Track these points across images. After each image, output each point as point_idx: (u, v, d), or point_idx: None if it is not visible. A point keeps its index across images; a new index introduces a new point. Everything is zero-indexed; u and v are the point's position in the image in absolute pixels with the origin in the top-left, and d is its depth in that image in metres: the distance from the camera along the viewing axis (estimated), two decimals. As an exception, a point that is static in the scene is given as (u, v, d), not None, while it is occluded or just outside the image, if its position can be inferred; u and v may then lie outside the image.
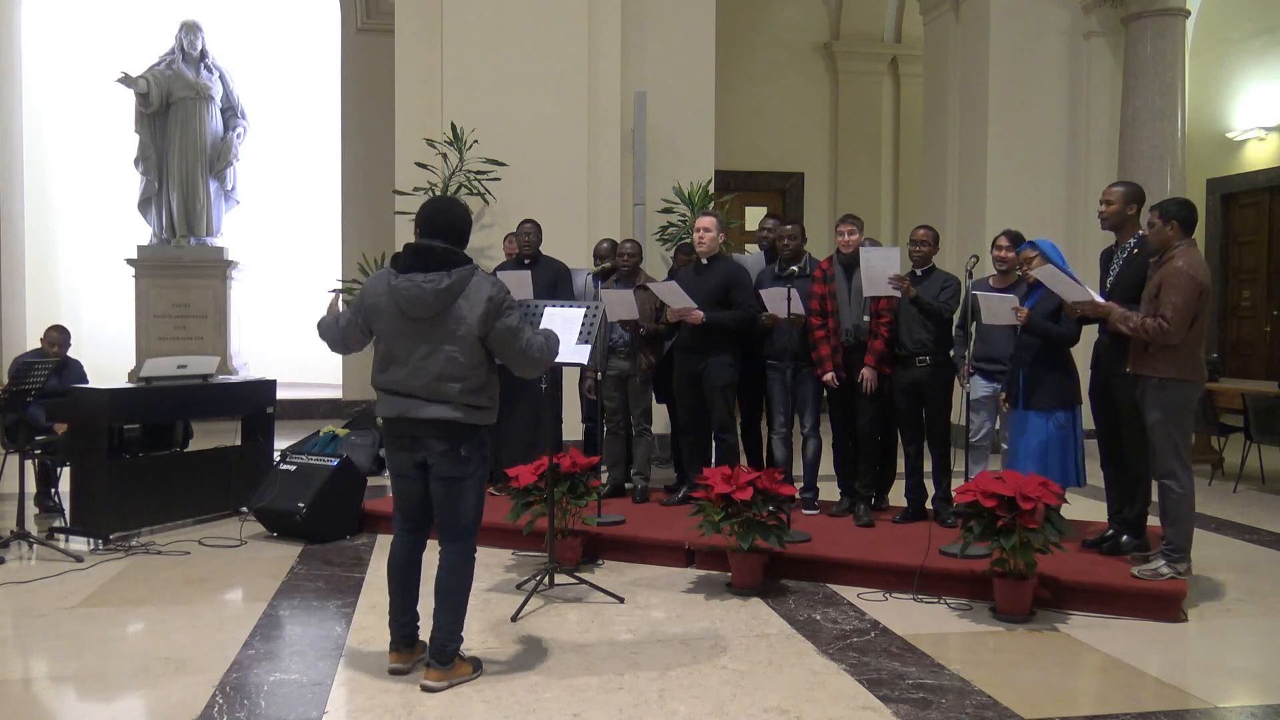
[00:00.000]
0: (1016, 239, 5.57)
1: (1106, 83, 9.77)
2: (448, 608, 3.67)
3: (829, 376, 5.70)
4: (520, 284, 6.24)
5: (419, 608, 3.82)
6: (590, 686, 3.68)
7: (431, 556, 3.77)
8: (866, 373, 5.60)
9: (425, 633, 3.77)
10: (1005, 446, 5.62)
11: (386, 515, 3.86)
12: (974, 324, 5.46)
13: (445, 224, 3.65)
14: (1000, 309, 5.22)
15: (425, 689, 3.60)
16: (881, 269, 5.36)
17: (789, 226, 6.05)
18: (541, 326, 4.65)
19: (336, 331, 3.83)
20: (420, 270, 3.51)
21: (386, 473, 4.05)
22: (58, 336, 6.74)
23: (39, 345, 6.87)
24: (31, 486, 6.26)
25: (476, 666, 3.76)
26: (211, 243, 12.26)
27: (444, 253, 3.55)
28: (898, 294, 5.40)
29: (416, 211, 3.77)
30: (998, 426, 5.70)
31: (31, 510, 6.18)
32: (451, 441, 3.57)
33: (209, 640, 4.16)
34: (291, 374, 11.64)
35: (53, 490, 6.61)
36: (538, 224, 6.68)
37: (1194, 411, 4.85)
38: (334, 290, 3.86)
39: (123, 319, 12.10)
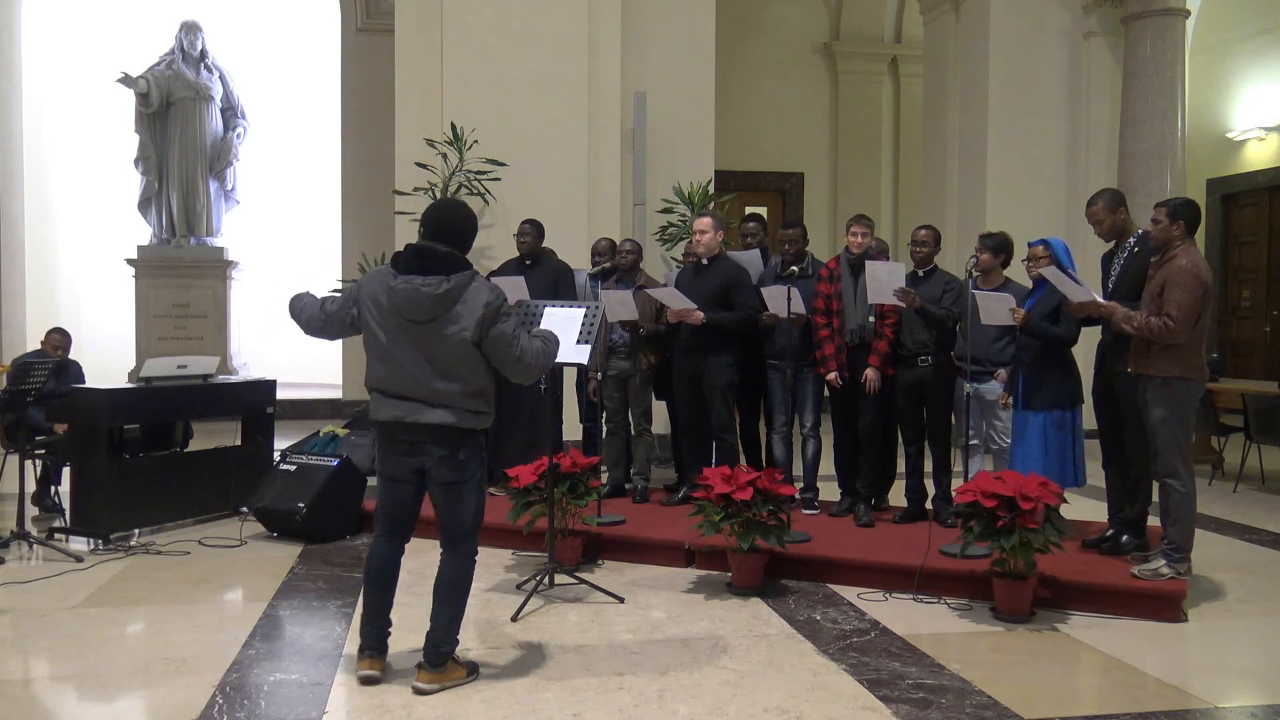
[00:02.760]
0: (997, 246, 5.55)
1: (1106, 83, 9.78)
2: (446, 611, 3.66)
3: (832, 376, 5.69)
4: (515, 289, 6.23)
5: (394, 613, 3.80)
6: (590, 686, 3.68)
7: (409, 562, 3.75)
8: (870, 373, 5.60)
9: (404, 641, 3.76)
10: (994, 446, 5.62)
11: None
12: (956, 325, 5.48)
13: (450, 227, 3.62)
14: (998, 309, 5.23)
15: (416, 690, 3.59)
16: (887, 282, 5.37)
17: (792, 229, 6.05)
18: (542, 326, 4.66)
19: (318, 312, 3.74)
20: (420, 273, 3.49)
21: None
22: (60, 339, 6.74)
23: (39, 347, 6.87)
24: (31, 486, 6.25)
25: (471, 670, 3.75)
26: (211, 243, 12.25)
27: (445, 256, 3.52)
28: (903, 304, 5.41)
29: (423, 211, 3.74)
30: (985, 428, 5.68)
31: (30, 511, 6.18)
32: (450, 446, 3.56)
33: (209, 640, 4.16)
34: (291, 374, 11.64)
35: (53, 489, 6.61)
36: (537, 224, 6.67)
37: (1195, 411, 4.86)
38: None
39: (122, 319, 12.09)
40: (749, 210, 9.17)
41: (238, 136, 12.48)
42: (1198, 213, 4.68)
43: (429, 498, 3.71)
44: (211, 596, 4.90)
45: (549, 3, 8.28)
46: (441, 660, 3.63)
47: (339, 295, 3.79)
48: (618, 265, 6.46)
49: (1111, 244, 5.14)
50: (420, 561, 4.32)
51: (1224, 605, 4.78)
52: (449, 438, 3.55)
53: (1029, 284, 5.53)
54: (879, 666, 3.89)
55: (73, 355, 6.87)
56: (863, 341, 5.68)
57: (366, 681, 3.66)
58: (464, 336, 3.49)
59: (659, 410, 6.67)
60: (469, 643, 4.13)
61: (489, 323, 3.51)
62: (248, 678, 3.75)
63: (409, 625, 4.02)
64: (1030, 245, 5.47)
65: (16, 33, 12.21)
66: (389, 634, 3.78)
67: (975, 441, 5.63)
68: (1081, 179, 9.71)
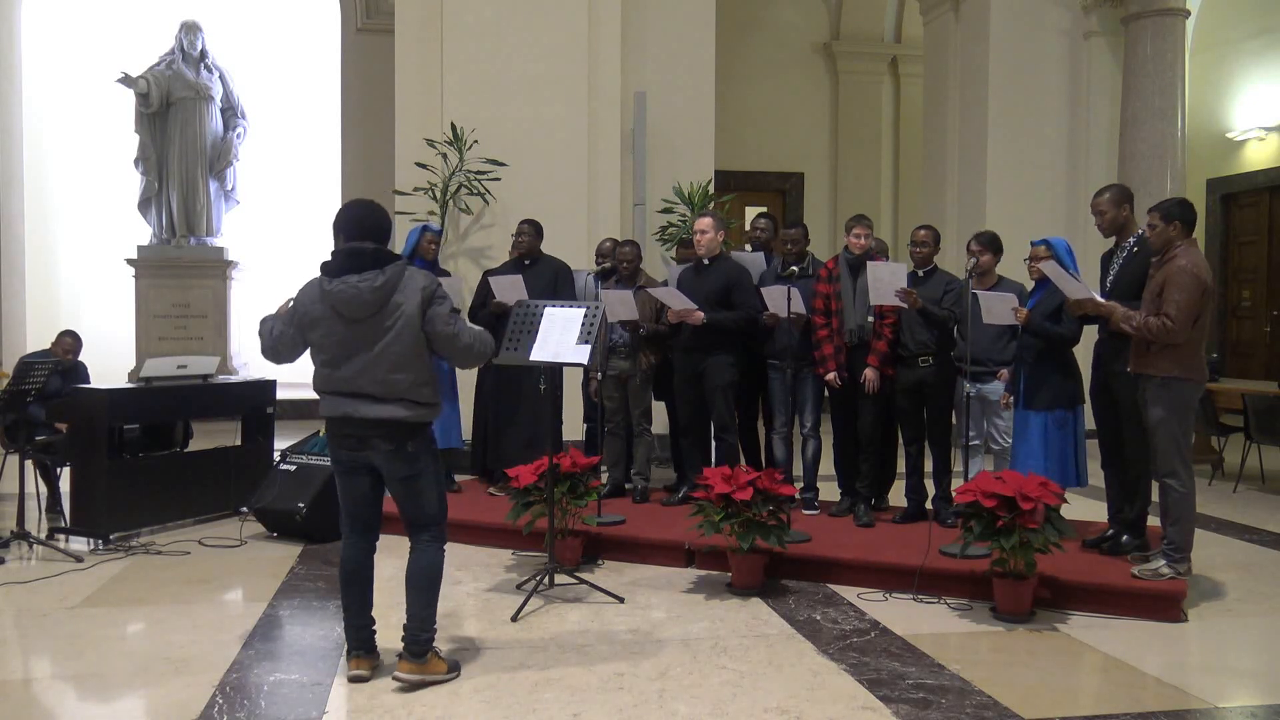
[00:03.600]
0: (989, 242, 5.55)
1: (1106, 83, 9.78)
2: (420, 599, 3.67)
3: (831, 376, 5.70)
4: (514, 287, 6.23)
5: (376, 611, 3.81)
6: (590, 686, 3.68)
7: (397, 560, 3.76)
8: (870, 373, 5.60)
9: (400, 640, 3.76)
10: (996, 446, 5.62)
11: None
12: (956, 326, 5.48)
13: (371, 225, 3.67)
14: (1000, 309, 5.23)
15: (396, 680, 3.61)
16: (889, 282, 5.37)
17: (793, 229, 6.04)
18: (541, 327, 4.67)
19: (270, 339, 3.77)
20: (354, 272, 3.54)
21: None
22: (71, 343, 6.74)
23: (46, 348, 6.86)
24: (32, 487, 6.24)
25: (453, 668, 3.76)
26: (211, 243, 12.25)
27: (374, 252, 3.58)
28: (904, 305, 5.41)
29: (335, 216, 3.75)
30: (986, 427, 5.69)
31: (38, 515, 6.17)
32: (397, 441, 3.59)
33: (209, 640, 4.16)
34: (291, 374, 11.57)
35: (54, 488, 6.60)
36: (536, 224, 6.66)
37: (1195, 411, 4.86)
38: (291, 300, 3.83)
39: (122, 319, 12.08)
40: (757, 210, 9.19)
41: (238, 136, 12.47)
42: (1192, 210, 4.68)
43: (390, 496, 3.73)
44: (211, 596, 4.90)
45: (549, 3, 8.28)
46: (422, 650, 3.65)
47: (280, 324, 3.78)
48: (618, 273, 6.45)
49: (1110, 243, 5.14)
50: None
51: (1224, 605, 4.78)
52: (395, 432, 3.58)
53: (1025, 281, 5.54)
54: (879, 666, 3.89)
55: (79, 357, 6.86)
56: (861, 342, 5.68)
57: (355, 681, 3.68)
58: (408, 323, 3.54)
59: (659, 410, 6.67)
60: (469, 643, 4.14)
61: (427, 303, 3.58)
62: (248, 678, 3.75)
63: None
64: (1032, 245, 5.47)
65: (16, 33, 12.21)
66: (373, 632, 3.79)
67: (976, 441, 5.63)
68: (1081, 179, 9.71)
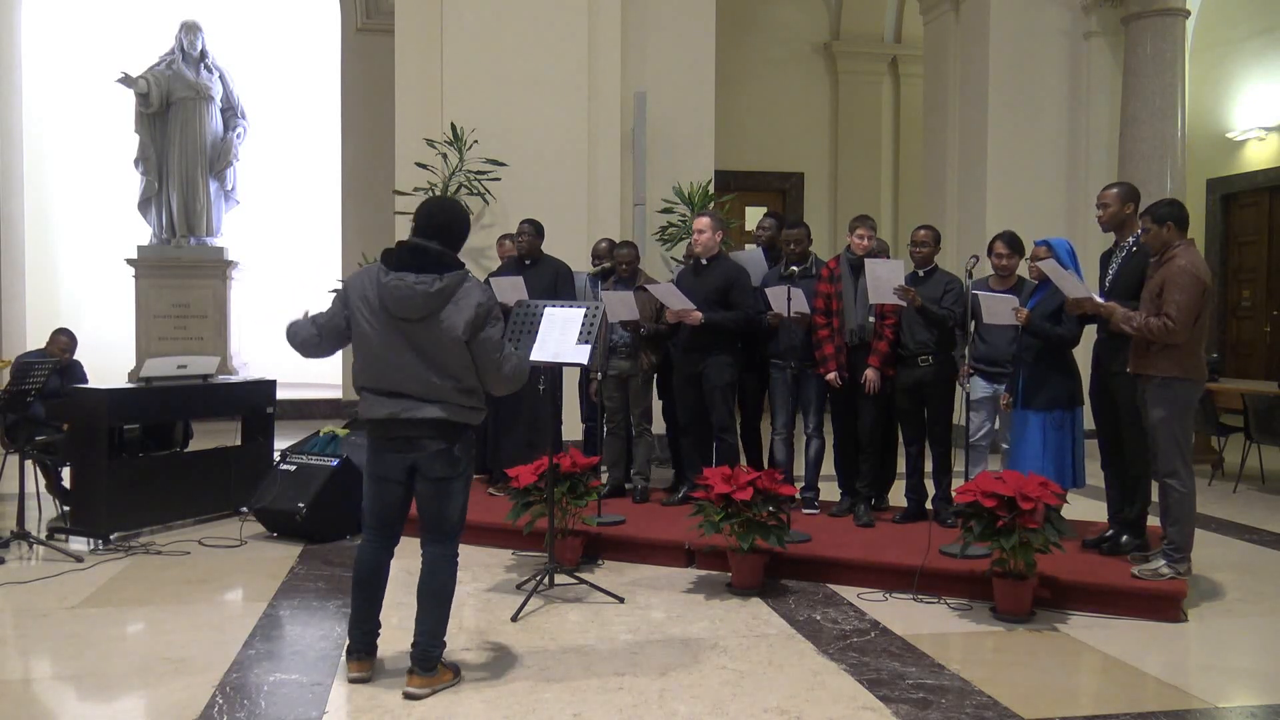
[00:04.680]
0: (1013, 243, 5.55)
1: (1106, 83, 9.77)
2: (432, 613, 3.63)
3: (832, 376, 5.69)
4: (514, 289, 6.23)
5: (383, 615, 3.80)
6: (590, 686, 3.68)
7: (406, 562, 3.75)
8: (870, 374, 5.60)
9: (400, 641, 3.75)
10: (1005, 447, 5.62)
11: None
12: (974, 324, 5.47)
13: (443, 224, 3.59)
14: (1001, 309, 5.23)
15: (408, 696, 3.56)
16: (887, 280, 5.37)
17: (795, 230, 6.04)
18: (541, 327, 4.67)
19: (312, 330, 3.69)
20: (413, 270, 3.47)
21: None
22: (67, 342, 6.75)
23: (42, 347, 6.87)
24: (32, 487, 6.24)
25: (455, 672, 3.74)
26: (211, 243, 12.25)
27: (439, 255, 3.51)
28: (904, 303, 5.41)
29: (417, 208, 3.73)
30: (996, 426, 5.70)
31: (38, 515, 6.17)
32: (447, 440, 3.55)
33: (209, 640, 4.16)
34: (291, 374, 11.60)
35: (58, 484, 6.60)
36: (536, 224, 6.66)
37: (1194, 411, 4.86)
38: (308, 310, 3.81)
39: (122, 319, 12.09)
40: (757, 210, 9.16)
41: (238, 136, 12.48)
42: (1183, 209, 4.67)
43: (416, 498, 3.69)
44: (211, 596, 4.90)
45: (549, 3, 8.28)
46: (432, 665, 3.62)
47: (327, 310, 3.74)
48: (616, 274, 6.45)
49: (1110, 243, 5.14)
50: (417, 561, 4.30)
51: (1224, 605, 4.78)
52: (445, 431, 3.55)
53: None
54: (879, 666, 3.89)
55: (75, 355, 6.87)
56: (862, 342, 5.68)
57: (355, 682, 3.67)
58: (455, 335, 3.47)
59: (658, 410, 6.67)
60: (469, 643, 4.14)
61: (479, 324, 3.50)
62: (248, 678, 3.75)
63: (407, 625, 4.00)
64: (1036, 244, 5.47)
65: (16, 33, 12.21)
66: (378, 636, 3.78)
67: (984, 442, 5.63)
68: (1081, 179, 9.71)
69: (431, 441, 3.54)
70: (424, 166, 7.99)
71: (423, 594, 3.65)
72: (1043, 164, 9.81)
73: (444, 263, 3.50)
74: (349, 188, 12.01)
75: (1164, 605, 4.48)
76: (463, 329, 3.47)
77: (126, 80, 11.85)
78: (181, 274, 11.96)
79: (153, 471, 6.16)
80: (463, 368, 3.53)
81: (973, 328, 5.48)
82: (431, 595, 3.65)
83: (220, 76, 12.41)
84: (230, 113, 12.47)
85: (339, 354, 4.02)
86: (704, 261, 6.04)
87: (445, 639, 3.69)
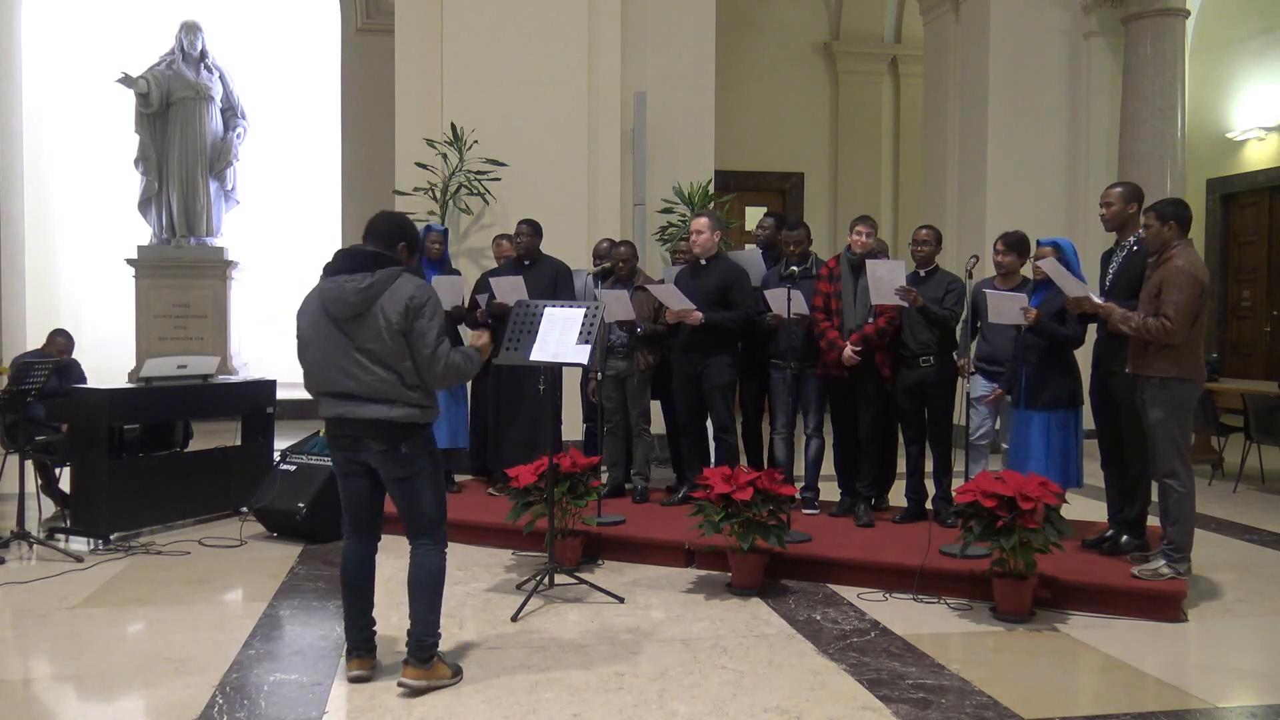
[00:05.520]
0: (1014, 243, 5.53)
1: (1106, 83, 9.77)
2: (423, 603, 3.66)
3: (848, 352, 5.58)
4: (514, 288, 6.22)
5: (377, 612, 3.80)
6: (590, 686, 3.68)
7: (400, 560, 3.75)
8: (848, 350, 5.53)
9: (401, 641, 3.76)
10: (1005, 446, 5.62)
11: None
12: (979, 323, 5.47)
13: (380, 229, 3.69)
14: (1008, 308, 5.21)
15: (402, 687, 3.59)
16: (889, 280, 5.36)
17: (795, 231, 6.03)
18: (541, 327, 4.67)
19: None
20: (348, 273, 3.56)
21: None
22: (64, 342, 6.75)
23: (39, 347, 6.87)
24: (32, 487, 6.25)
25: (456, 672, 3.74)
26: (211, 243, 12.25)
27: (372, 255, 3.58)
28: (905, 304, 5.41)
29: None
30: (997, 426, 5.70)
31: (31, 509, 6.16)
32: (389, 441, 3.57)
33: (209, 640, 4.16)
34: (292, 374, 11.54)
35: (54, 487, 6.60)
36: (535, 224, 6.66)
37: (1194, 411, 4.86)
38: None
39: (122, 319, 12.09)
40: (757, 210, 9.16)
41: (238, 136, 12.48)
42: (1188, 211, 4.68)
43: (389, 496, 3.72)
44: (211, 596, 4.90)
45: (549, 3, 8.28)
46: (427, 656, 3.64)
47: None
48: (615, 273, 6.45)
49: (1111, 242, 5.14)
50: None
51: (1224, 605, 4.78)
52: (387, 433, 3.56)
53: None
54: (879, 666, 3.89)
55: (73, 355, 6.87)
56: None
57: (355, 681, 3.68)
58: (393, 330, 3.51)
59: (657, 410, 6.67)
60: (469, 643, 4.14)
61: (411, 316, 3.53)
62: (248, 678, 3.75)
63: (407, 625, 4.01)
64: (1040, 244, 5.46)
65: (16, 33, 12.22)
66: (374, 632, 3.79)
67: (984, 442, 5.62)
68: (1081, 179, 9.71)
69: (374, 442, 3.58)
70: (424, 166, 7.99)
71: (412, 587, 3.68)
72: (1042, 164, 9.81)
73: (376, 261, 3.57)
74: (349, 188, 12.01)
75: (1164, 605, 4.48)
76: (398, 321, 3.51)
77: (126, 80, 11.85)
78: (181, 274, 11.96)
79: (153, 471, 6.16)
80: (400, 360, 3.56)
81: (978, 326, 5.47)
82: (420, 587, 3.67)
83: (220, 76, 12.41)
84: (230, 113, 12.48)
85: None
86: (703, 262, 6.04)
87: (440, 630, 3.71)
